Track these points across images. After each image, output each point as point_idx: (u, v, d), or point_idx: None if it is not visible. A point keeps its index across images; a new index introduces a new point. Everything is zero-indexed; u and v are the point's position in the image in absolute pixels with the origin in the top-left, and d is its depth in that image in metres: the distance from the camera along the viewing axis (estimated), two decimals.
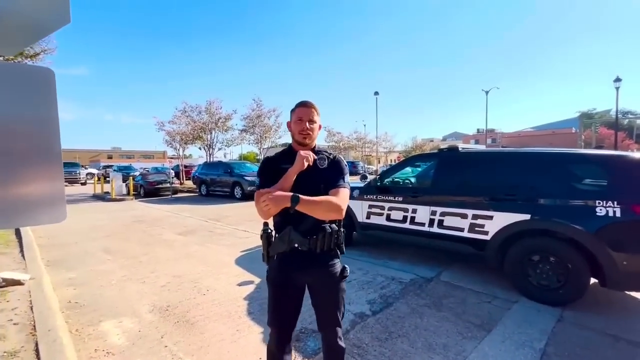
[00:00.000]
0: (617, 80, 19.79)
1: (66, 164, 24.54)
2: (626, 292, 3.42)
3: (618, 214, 2.96)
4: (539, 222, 3.36)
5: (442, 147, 4.64)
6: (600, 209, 3.04)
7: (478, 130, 59.29)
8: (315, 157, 1.59)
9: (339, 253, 1.65)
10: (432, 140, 58.59)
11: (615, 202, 2.98)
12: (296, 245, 1.54)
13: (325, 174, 1.59)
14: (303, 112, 1.58)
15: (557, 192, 3.33)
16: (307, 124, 1.57)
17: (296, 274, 1.62)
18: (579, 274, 3.12)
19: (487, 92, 30.47)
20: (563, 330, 2.81)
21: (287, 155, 1.66)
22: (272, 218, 1.58)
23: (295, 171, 1.53)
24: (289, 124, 1.67)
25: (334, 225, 1.58)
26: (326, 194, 1.54)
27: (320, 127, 1.67)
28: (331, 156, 1.67)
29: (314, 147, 1.67)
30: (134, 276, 4.24)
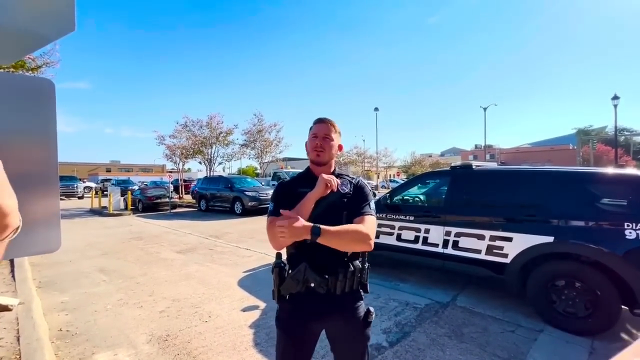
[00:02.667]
0: (615, 98, 19.98)
1: (64, 178, 24.26)
2: None
3: None
4: (564, 245, 3.18)
5: (453, 163, 4.49)
6: (630, 232, 2.87)
7: (476, 146, 59.62)
8: (338, 182, 1.43)
9: (362, 294, 1.45)
10: (430, 156, 58.79)
11: None
12: (312, 285, 1.33)
13: (349, 200, 1.43)
14: (318, 128, 1.46)
15: (583, 213, 3.16)
16: (321, 140, 1.44)
17: (312, 319, 1.39)
18: (609, 301, 2.92)
19: (485, 109, 30.76)
20: None
21: (305, 178, 1.50)
22: (285, 248, 1.39)
23: (315, 196, 1.35)
24: (306, 144, 1.53)
25: (357, 263, 1.39)
26: (350, 221, 1.36)
27: (341, 147, 1.53)
28: (354, 180, 1.52)
29: (334, 170, 1.52)
30: (130, 300, 3.98)
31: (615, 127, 22.30)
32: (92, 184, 29.38)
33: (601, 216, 3.09)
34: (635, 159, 38.73)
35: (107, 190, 18.00)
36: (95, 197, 17.41)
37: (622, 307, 2.93)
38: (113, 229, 10.00)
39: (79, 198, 24.20)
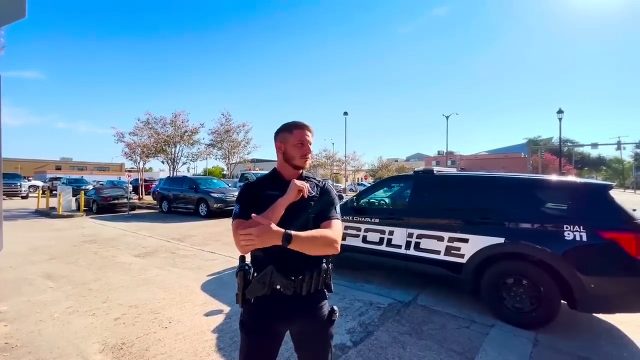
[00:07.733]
0: (560, 112, 22.02)
1: (5, 175, 22.02)
2: (593, 314, 3.57)
3: (584, 238, 3.10)
4: (513, 245, 3.45)
5: (416, 168, 4.70)
6: (569, 233, 3.18)
7: (438, 152, 62.79)
8: (309, 186, 1.44)
9: (326, 293, 1.48)
10: (396, 160, 60.82)
11: (581, 227, 3.13)
12: (278, 287, 1.33)
13: (315, 204, 1.45)
14: (304, 135, 1.45)
15: (529, 216, 3.45)
16: (309, 148, 1.46)
17: (277, 321, 1.39)
18: (551, 296, 3.21)
19: (447, 117, 32.47)
20: (540, 355, 2.83)
21: (273, 180, 1.49)
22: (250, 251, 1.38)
23: (286, 202, 1.35)
24: (280, 146, 1.48)
25: (323, 265, 1.42)
26: (316, 225, 1.39)
27: None
28: (320, 183, 1.54)
29: (302, 172, 1.52)
30: (81, 307, 3.71)
31: (560, 138, 24.51)
32: (39, 183, 26.95)
33: (545, 219, 3.39)
34: (576, 167, 42.88)
35: (56, 190, 16.60)
36: (42, 197, 15.97)
37: (562, 301, 3.23)
38: (63, 231, 9.24)
39: (23, 198, 22.08)
